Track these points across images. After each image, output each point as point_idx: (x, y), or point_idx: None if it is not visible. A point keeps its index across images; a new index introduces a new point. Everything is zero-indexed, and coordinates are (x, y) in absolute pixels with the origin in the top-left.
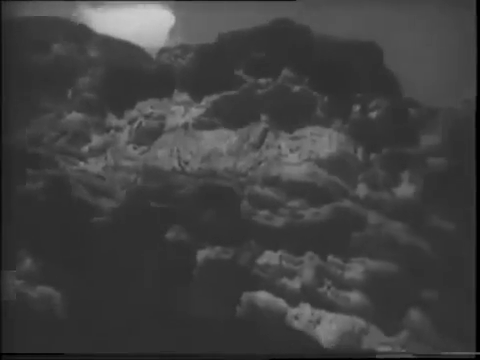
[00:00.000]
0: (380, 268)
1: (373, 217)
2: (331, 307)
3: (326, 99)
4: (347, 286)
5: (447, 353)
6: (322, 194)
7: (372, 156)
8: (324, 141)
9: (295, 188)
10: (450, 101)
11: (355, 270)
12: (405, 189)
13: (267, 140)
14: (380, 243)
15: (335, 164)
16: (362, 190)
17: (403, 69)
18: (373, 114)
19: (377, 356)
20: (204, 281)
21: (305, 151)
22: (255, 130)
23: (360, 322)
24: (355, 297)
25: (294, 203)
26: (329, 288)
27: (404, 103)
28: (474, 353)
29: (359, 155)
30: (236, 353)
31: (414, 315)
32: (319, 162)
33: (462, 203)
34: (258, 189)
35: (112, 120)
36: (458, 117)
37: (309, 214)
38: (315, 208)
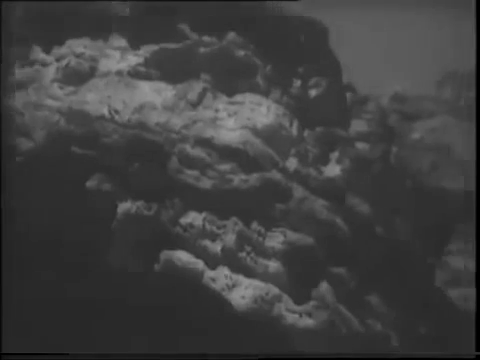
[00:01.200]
0: (299, 240)
1: (299, 191)
2: (249, 273)
3: (269, 69)
4: (266, 254)
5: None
6: (253, 162)
7: (306, 132)
8: (262, 110)
9: (227, 153)
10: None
11: (276, 239)
12: (332, 169)
13: (205, 100)
14: (302, 216)
15: (270, 135)
16: (292, 164)
17: (348, 55)
18: (312, 91)
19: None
20: (123, 234)
21: (242, 118)
22: (194, 88)
23: (274, 289)
24: (273, 265)
25: (224, 167)
26: (249, 254)
27: (342, 87)
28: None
29: (294, 129)
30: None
31: (323, 287)
32: (254, 131)
33: (381, 188)
34: (189, 148)
35: (38, 54)
36: (386, 108)
37: (238, 180)
38: (244, 175)
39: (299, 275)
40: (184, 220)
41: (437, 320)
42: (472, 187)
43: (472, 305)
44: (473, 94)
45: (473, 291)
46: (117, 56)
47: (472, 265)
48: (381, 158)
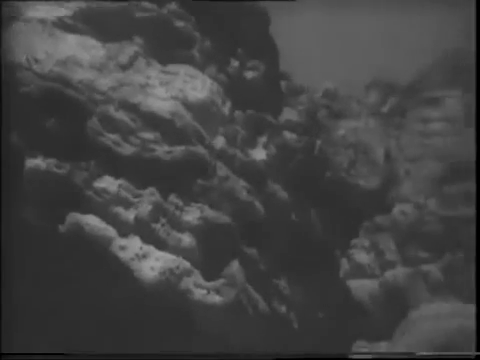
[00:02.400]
0: (215, 218)
1: (222, 170)
2: (161, 245)
3: (207, 44)
4: (181, 228)
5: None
6: (179, 135)
7: (237, 113)
8: (196, 84)
9: (153, 121)
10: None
11: (193, 215)
12: (258, 153)
13: (136, 64)
14: (221, 195)
15: (200, 110)
16: (219, 142)
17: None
18: (249, 74)
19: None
20: (31, 190)
21: (174, 88)
22: (126, 51)
23: (185, 264)
24: (186, 240)
25: (148, 136)
26: (163, 226)
27: (278, 74)
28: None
29: (225, 109)
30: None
31: (234, 266)
32: (185, 103)
33: (301, 178)
34: (113, 111)
35: None
36: (317, 102)
37: (161, 151)
38: (168, 146)
39: (212, 252)
40: (98, 184)
41: (335, 307)
42: (382, 187)
43: (366, 296)
44: (396, 101)
45: (370, 283)
46: (43, 4)
47: (369, 259)
48: (305, 149)
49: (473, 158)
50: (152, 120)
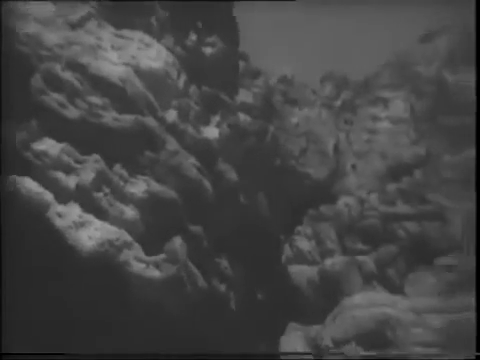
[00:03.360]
0: (161, 192)
1: (172, 144)
2: (102, 215)
3: (166, 14)
4: (125, 199)
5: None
6: (129, 103)
7: (192, 88)
8: (151, 53)
9: (102, 86)
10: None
11: (138, 187)
12: (210, 131)
13: (89, 25)
14: (169, 169)
15: (154, 80)
16: (171, 116)
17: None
18: (207, 49)
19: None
20: None
21: (127, 54)
22: (78, 10)
23: (126, 236)
24: (129, 212)
25: (96, 100)
26: (106, 196)
27: (237, 54)
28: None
29: (180, 82)
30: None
31: (177, 242)
32: (138, 71)
33: (252, 161)
34: (59, 69)
35: None
36: (273, 87)
37: (109, 117)
38: (116, 113)
39: (155, 227)
40: (38, 146)
41: (273, 290)
42: (329, 178)
43: (304, 281)
44: (348, 96)
45: (310, 269)
46: None
47: (311, 246)
48: (258, 133)
49: (413, 159)
50: (101, 84)
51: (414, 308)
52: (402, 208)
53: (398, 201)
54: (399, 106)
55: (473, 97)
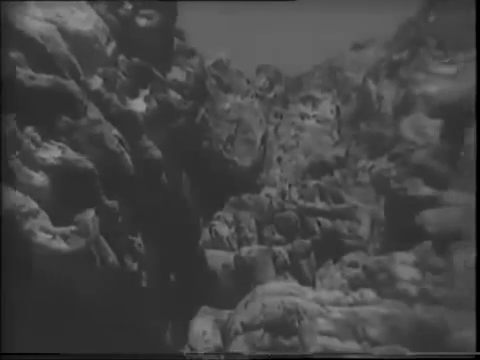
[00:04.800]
0: (78, 161)
1: (94, 112)
2: (8, 179)
3: None
4: (35, 165)
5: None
6: (49, 61)
7: (121, 57)
8: (80, 15)
9: (23, 42)
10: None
11: (51, 153)
12: (137, 104)
13: None
14: (89, 139)
15: (80, 43)
16: (96, 83)
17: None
18: (142, 21)
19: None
20: None
21: (53, 12)
22: None
23: (33, 204)
24: (39, 179)
25: (12, 54)
26: (13, 159)
27: (174, 30)
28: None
29: (109, 49)
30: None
31: (89, 215)
32: (63, 31)
33: (178, 141)
34: None
35: None
36: (208, 70)
37: (23, 74)
38: (34, 72)
39: (66, 197)
40: None
41: (187, 272)
42: (254, 168)
43: (219, 266)
44: (281, 91)
45: (226, 255)
46: None
47: (229, 233)
48: (188, 113)
49: (333, 159)
50: (19, 38)
51: (320, 299)
52: (319, 204)
53: (316, 197)
54: (326, 107)
55: (390, 110)
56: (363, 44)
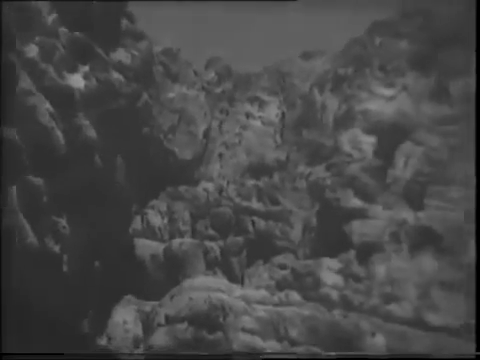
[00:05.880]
0: (7, 135)
1: (26, 82)
2: None
3: None
4: None
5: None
6: None
7: (62, 30)
8: None
9: None
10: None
11: None
12: (75, 80)
13: None
14: (20, 111)
15: (16, 8)
16: (31, 51)
17: None
18: None
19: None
20: None
21: None
22: None
23: None
24: None
25: None
26: None
27: (122, 11)
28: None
29: (49, 20)
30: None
31: (12, 191)
32: None
33: (115, 124)
34: None
35: None
36: (156, 56)
37: None
38: None
39: None
40: None
41: (114, 259)
42: (193, 161)
43: (148, 256)
44: (229, 87)
45: (156, 245)
46: None
47: (162, 223)
48: (130, 96)
49: (274, 162)
50: None
51: (246, 297)
52: (255, 204)
53: (253, 197)
54: (272, 110)
55: (331, 121)
56: (312, 54)
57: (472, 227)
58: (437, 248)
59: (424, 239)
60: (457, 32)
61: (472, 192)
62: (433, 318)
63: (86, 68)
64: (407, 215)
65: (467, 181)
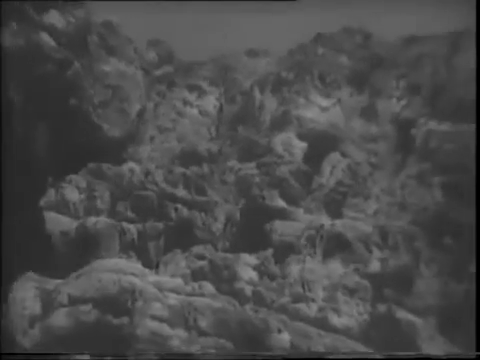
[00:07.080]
0: None
1: None
2: None
3: None
4: None
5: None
6: None
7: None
8: None
9: None
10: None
11: None
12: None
13: None
14: None
15: None
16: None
17: None
18: None
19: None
20: None
21: None
22: None
23: None
24: None
25: None
26: None
27: None
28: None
29: None
30: None
31: None
32: None
33: (44, 90)
34: None
35: None
36: (93, 27)
37: None
38: None
39: None
40: None
41: (18, 232)
42: (122, 140)
43: (57, 232)
44: (169, 70)
45: (69, 221)
46: None
47: (78, 199)
48: (60, 62)
49: (205, 152)
50: None
51: (159, 284)
52: (181, 192)
53: (180, 184)
54: (211, 101)
55: (268, 121)
56: (257, 52)
57: (378, 239)
58: (346, 255)
59: (336, 245)
60: (391, 55)
61: (384, 207)
62: (335, 320)
63: (13, 26)
64: (325, 221)
65: (380, 198)
